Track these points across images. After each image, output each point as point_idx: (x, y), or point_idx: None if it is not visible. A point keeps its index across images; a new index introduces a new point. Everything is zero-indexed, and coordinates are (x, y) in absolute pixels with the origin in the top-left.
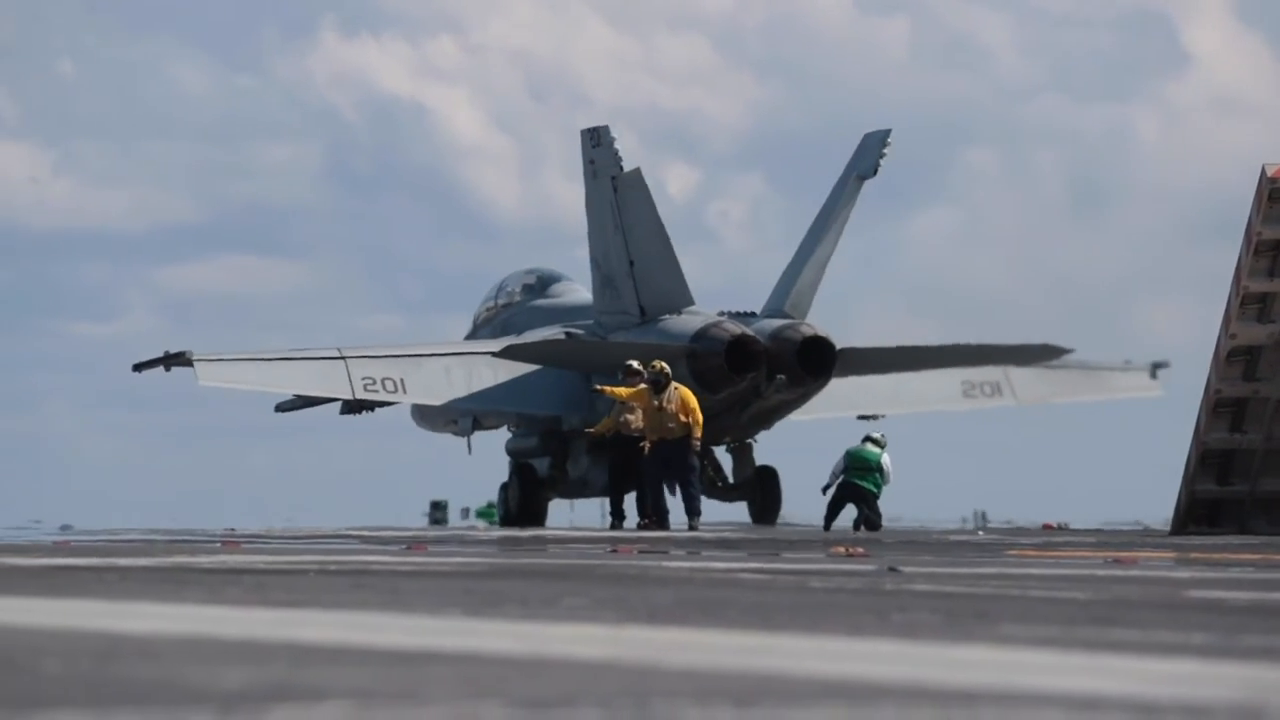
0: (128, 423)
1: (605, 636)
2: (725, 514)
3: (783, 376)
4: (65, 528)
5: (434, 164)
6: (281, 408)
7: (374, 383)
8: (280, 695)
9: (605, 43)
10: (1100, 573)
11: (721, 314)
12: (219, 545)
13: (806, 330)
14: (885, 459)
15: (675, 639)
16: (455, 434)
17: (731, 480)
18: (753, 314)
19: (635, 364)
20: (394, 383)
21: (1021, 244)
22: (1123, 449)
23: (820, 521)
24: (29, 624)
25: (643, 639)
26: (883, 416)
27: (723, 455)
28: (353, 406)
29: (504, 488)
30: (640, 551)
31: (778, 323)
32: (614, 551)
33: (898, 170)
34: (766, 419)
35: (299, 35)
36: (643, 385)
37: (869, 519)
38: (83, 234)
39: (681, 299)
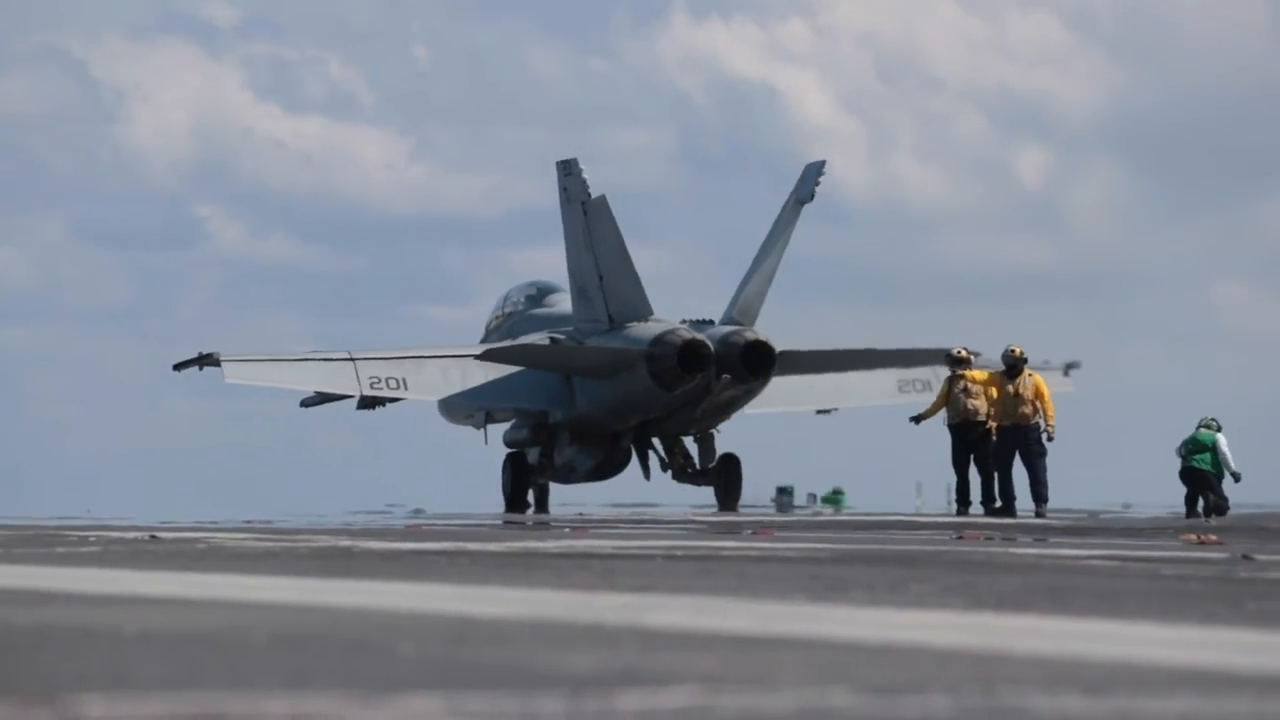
0: None
1: (953, 623)
2: (695, 497)
3: (728, 376)
4: (417, 512)
5: (784, 147)
6: (305, 403)
7: (379, 381)
8: (629, 680)
9: (954, 23)
10: None
11: (683, 322)
12: (567, 531)
13: (750, 336)
14: (1221, 440)
15: (1023, 625)
16: (474, 426)
17: (699, 467)
18: (710, 321)
19: (961, 351)
20: (397, 381)
21: None
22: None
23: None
24: (383, 608)
25: (991, 625)
26: (837, 410)
27: (690, 445)
28: (366, 402)
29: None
30: (986, 538)
31: (726, 329)
32: (960, 538)
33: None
34: (720, 413)
35: (650, 19)
36: (976, 371)
37: (1217, 504)
38: (438, 219)
39: (644, 309)
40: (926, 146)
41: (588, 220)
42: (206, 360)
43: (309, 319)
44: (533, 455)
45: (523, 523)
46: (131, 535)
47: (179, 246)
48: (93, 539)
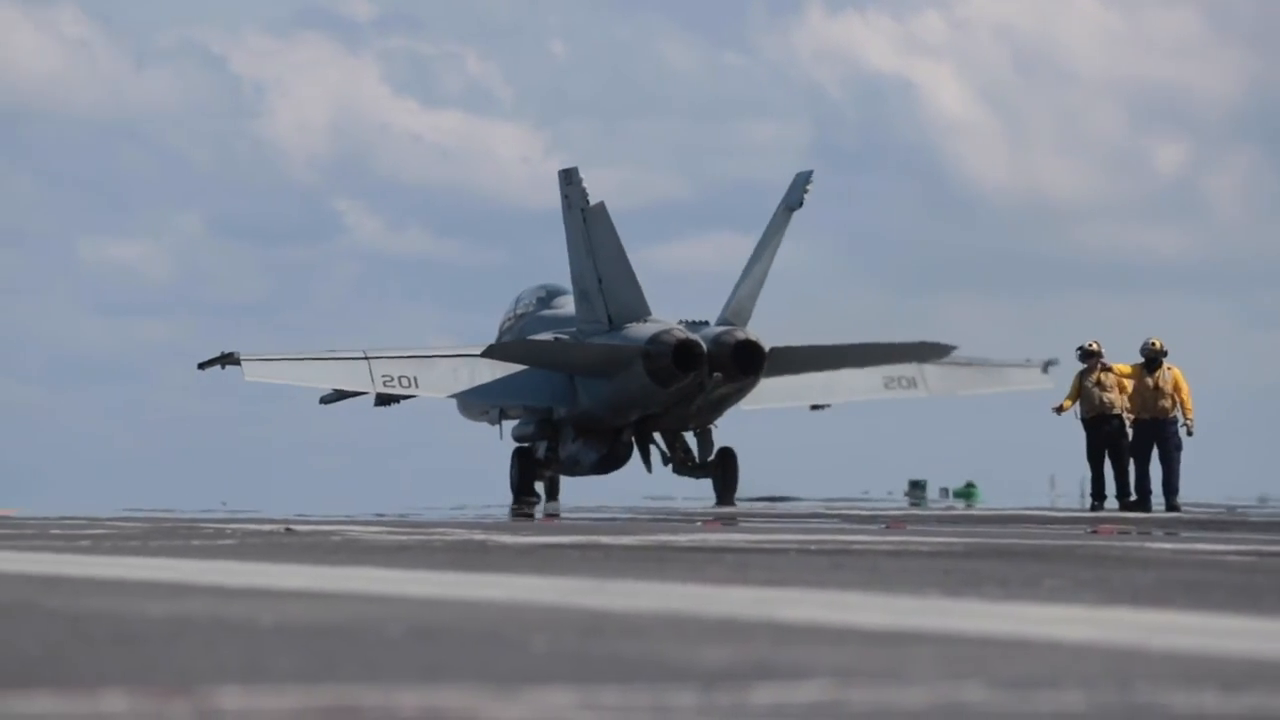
0: None
1: (1087, 618)
2: (695, 490)
3: (719, 374)
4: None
5: (919, 141)
6: (324, 400)
7: (391, 379)
8: (761, 673)
9: (1091, 15)
10: None
11: (681, 322)
12: (699, 524)
13: (740, 335)
14: None
15: (1159, 621)
16: (489, 423)
17: (698, 461)
18: (705, 322)
19: (1093, 344)
20: (408, 379)
21: None
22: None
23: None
24: (516, 601)
25: (1126, 621)
26: (829, 406)
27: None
28: (382, 400)
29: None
30: (1120, 532)
31: (719, 329)
32: (1094, 532)
33: None
34: (715, 409)
35: (785, 11)
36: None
37: None
38: None
39: (641, 309)
40: (1063, 138)
41: (587, 226)
42: (228, 359)
43: (446, 312)
44: (539, 450)
45: (530, 515)
46: (267, 528)
47: (317, 240)
48: (229, 531)
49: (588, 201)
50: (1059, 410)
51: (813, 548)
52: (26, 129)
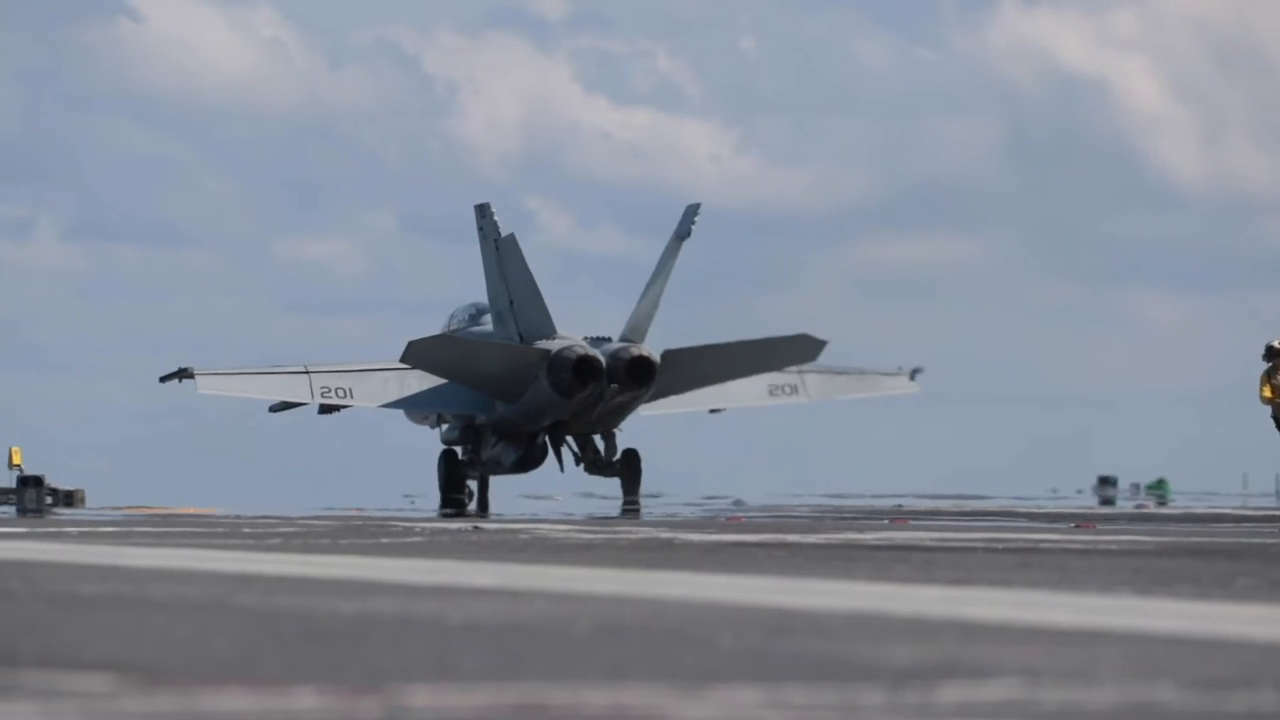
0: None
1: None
2: (603, 487)
3: (615, 385)
4: (737, 503)
5: (1114, 135)
6: (272, 409)
7: (329, 390)
8: (949, 672)
9: None
10: None
11: (585, 339)
12: (886, 522)
13: (635, 351)
14: None
15: None
16: (429, 426)
17: (606, 461)
18: (608, 339)
19: (1278, 342)
20: (344, 390)
21: None
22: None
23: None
24: (704, 599)
25: None
26: (725, 409)
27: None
28: (324, 409)
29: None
30: None
31: (616, 345)
32: None
33: None
34: (616, 415)
35: (978, 8)
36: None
37: None
38: (764, 210)
39: (548, 328)
40: (1260, 131)
41: (500, 255)
42: (184, 374)
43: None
44: (462, 451)
45: (459, 513)
46: (455, 526)
47: None
48: (417, 530)
49: (499, 233)
50: (1268, 402)
51: (1000, 546)
52: (222, 131)
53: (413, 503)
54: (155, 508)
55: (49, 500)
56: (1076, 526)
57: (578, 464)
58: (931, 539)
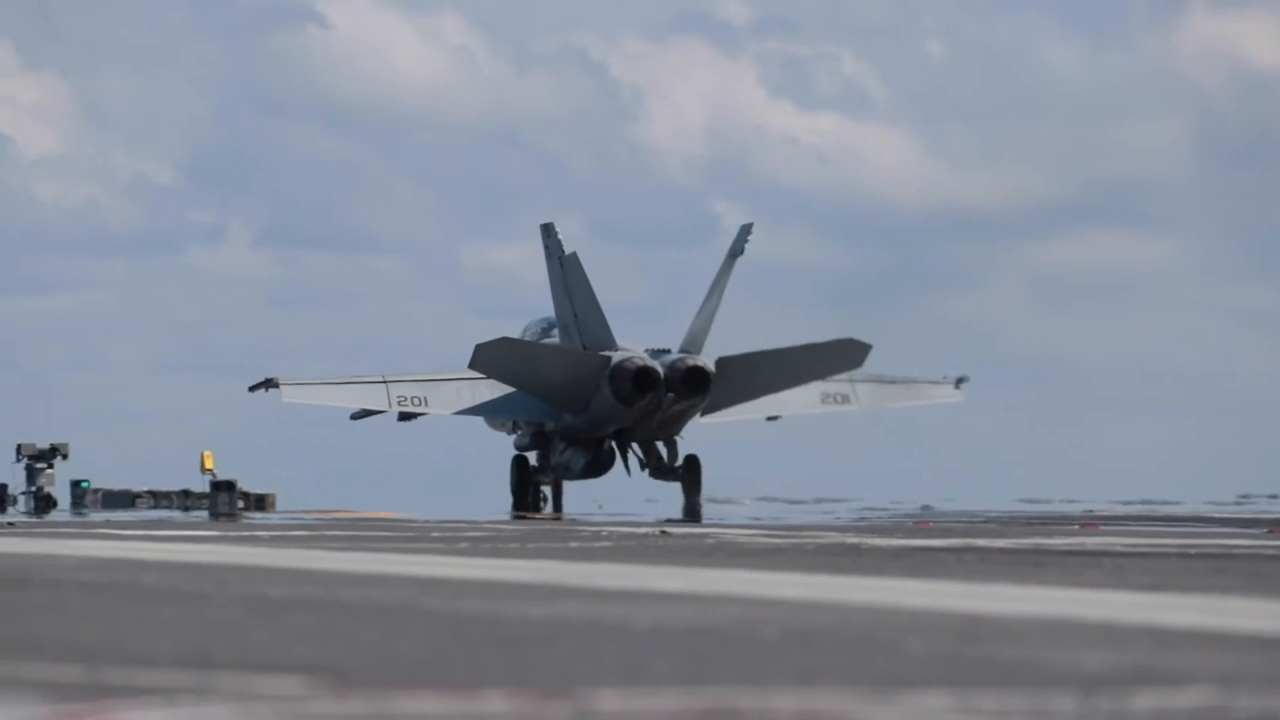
0: (995, 400)
1: None
2: (667, 492)
3: (672, 394)
4: (925, 508)
5: None
6: (354, 417)
7: (405, 399)
8: (1142, 679)
9: None
10: None
11: (646, 350)
12: (1076, 527)
13: (690, 362)
14: None
15: None
16: (506, 433)
17: (669, 466)
18: (666, 350)
19: None
20: (420, 399)
21: None
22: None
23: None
24: (892, 604)
25: None
26: (781, 417)
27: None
28: (403, 416)
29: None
30: None
31: (674, 357)
32: None
33: None
34: (675, 422)
35: (1167, 9)
36: None
37: None
38: (953, 215)
39: (610, 341)
40: None
41: (564, 272)
42: (270, 384)
43: (823, 312)
44: (533, 457)
45: (528, 517)
46: (642, 530)
47: (694, 242)
48: (605, 534)
49: (564, 251)
50: None
51: (1192, 552)
52: (410, 138)
53: (600, 506)
54: (345, 511)
55: (241, 504)
56: (1270, 532)
57: (642, 469)
58: (1122, 544)
